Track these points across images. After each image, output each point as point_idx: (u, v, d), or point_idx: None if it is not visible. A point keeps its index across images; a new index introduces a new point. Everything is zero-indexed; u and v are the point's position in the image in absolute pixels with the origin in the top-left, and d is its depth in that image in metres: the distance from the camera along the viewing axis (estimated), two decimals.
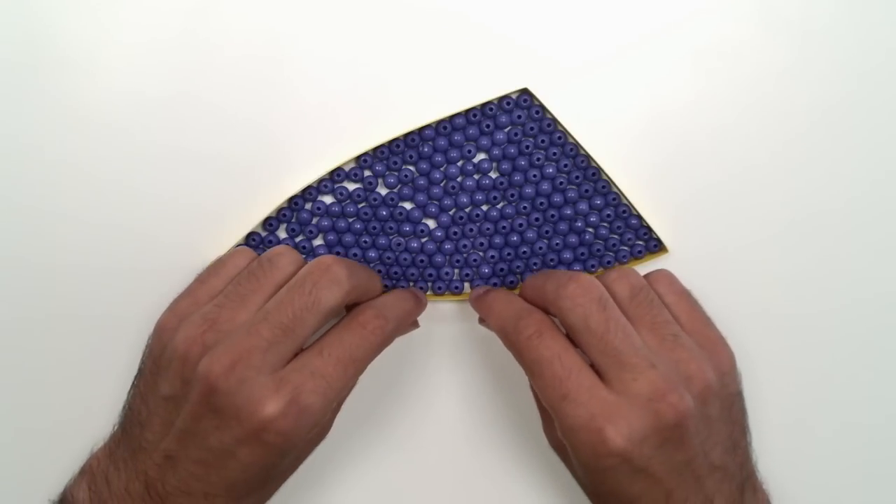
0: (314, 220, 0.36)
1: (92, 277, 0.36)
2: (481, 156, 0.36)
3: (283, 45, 0.35)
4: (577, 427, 0.28)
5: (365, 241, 0.36)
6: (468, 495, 0.38)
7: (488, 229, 0.36)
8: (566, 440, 0.29)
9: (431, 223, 0.36)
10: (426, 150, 0.35)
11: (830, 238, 0.36)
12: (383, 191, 0.36)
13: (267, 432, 0.28)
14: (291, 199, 0.35)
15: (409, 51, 0.35)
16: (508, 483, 0.38)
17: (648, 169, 0.35)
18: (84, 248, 0.35)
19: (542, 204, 0.36)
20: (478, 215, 0.36)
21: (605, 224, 0.36)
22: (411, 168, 0.35)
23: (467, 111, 0.35)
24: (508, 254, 0.36)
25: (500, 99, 0.35)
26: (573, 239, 0.36)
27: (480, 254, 0.36)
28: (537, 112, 0.35)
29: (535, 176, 0.35)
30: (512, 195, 0.36)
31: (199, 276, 0.34)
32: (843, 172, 0.36)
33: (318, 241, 0.36)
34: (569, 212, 0.36)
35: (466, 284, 0.37)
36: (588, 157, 0.35)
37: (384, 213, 0.36)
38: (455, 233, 0.36)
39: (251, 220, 0.35)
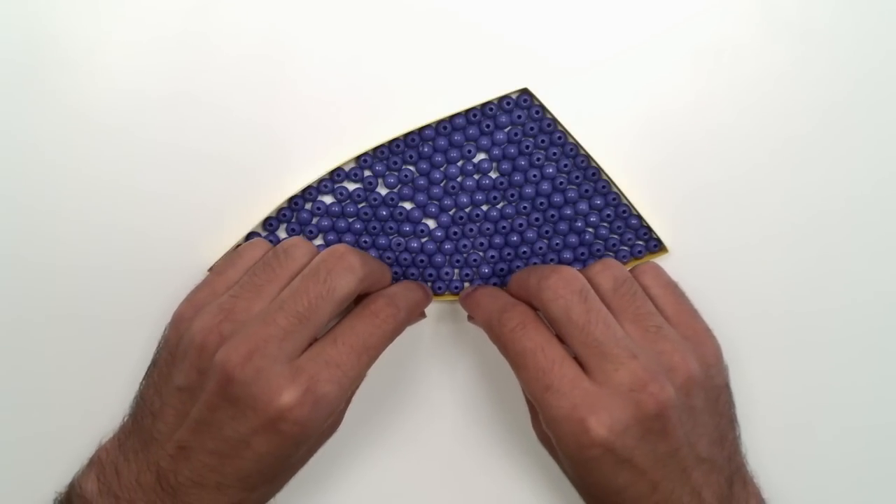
0: (314, 220, 0.36)
1: (92, 277, 0.36)
2: (481, 156, 0.36)
3: (283, 45, 0.35)
4: (560, 418, 0.29)
5: (365, 241, 0.36)
6: (467, 494, 0.38)
7: (488, 229, 0.36)
8: (550, 431, 0.30)
9: (431, 223, 0.36)
10: (426, 150, 0.35)
11: (830, 238, 0.36)
12: (383, 191, 0.36)
13: (283, 421, 0.28)
14: (291, 199, 0.35)
15: (410, 51, 0.35)
16: (507, 481, 0.38)
17: (648, 169, 0.35)
18: (84, 247, 0.35)
19: (542, 204, 0.36)
20: (478, 215, 0.36)
21: (605, 224, 0.36)
22: (411, 168, 0.35)
23: (467, 111, 0.35)
24: (508, 254, 0.36)
25: (500, 99, 0.35)
26: (573, 239, 0.36)
27: (480, 254, 0.36)
28: (537, 112, 0.35)
29: (535, 176, 0.35)
30: (512, 195, 0.36)
31: (216, 267, 0.34)
32: (843, 172, 0.36)
33: (318, 241, 0.36)
34: (569, 212, 0.36)
35: (466, 284, 0.37)
36: (588, 157, 0.35)
37: (384, 213, 0.36)
38: (455, 233, 0.36)
39: (251, 220, 0.35)
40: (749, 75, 0.35)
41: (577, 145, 0.35)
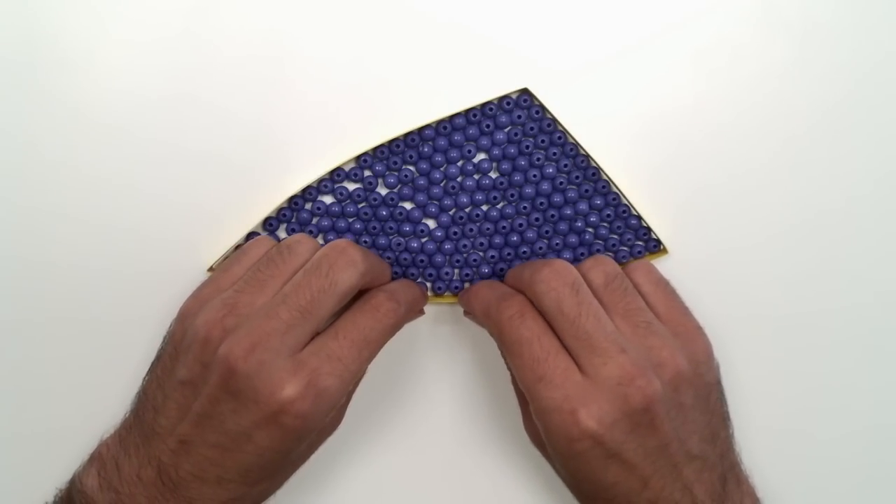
0: (314, 220, 0.36)
1: (92, 277, 0.36)
2: (481, 156, 0.36)
3: (283, 45, 0.34)
4: (551, 409, 0.29)
5: (365, 241, 0.36)
6: (465, 494, 0.38)
7: (488, 229, 0.36)
8: (539, 422, 0.30)
9: (431, 223, 0.36)
10: (426, 150, 0.35)
11: (831, 238, 0.36)
12: (383, 191, 0.36)
13: (285, 415, 0.28)
14: (291, 199, 0.35)
15: (410, 51, 0.35)
16: (506, 482, 0.38)
17: (648, 169, 0.35)
18: (84, 247, 0.35)
19: (542, 204, 0.36)
20: (478, 215, 0.36)
21: (605, 224, 0.36)
22: (411, 168, 0.35)
23: (467, 111, 0.35)
24: (508, 254, 0.36)
25: (500, 99, 0.35)
26: (573, 239, 0.36)
27: (480, 254, 0.36)
28: (537, 112, 0.35)
29: (535, 176, 0.35)
30: (512, 195, 0.36)
31: (221, 264, 0.34)
32: (843, 173, 0.36)
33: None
34: (569, 212, 0.36)
35: (466, 284, 0.37)
36: (588, 157, 0.35)
37: (384, 213, 0.36)
38: (455, 233, 0.36)
39: (251, 220, 0.35)
40: (749, 75, 0.35)
41: (577, 145, 0.35)
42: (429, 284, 0.37)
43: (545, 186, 0.35)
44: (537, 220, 0.36)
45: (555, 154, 0.35)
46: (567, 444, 0.29)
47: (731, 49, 0.35)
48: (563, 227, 0.36)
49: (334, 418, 0.33)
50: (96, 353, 0.36)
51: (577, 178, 0.35)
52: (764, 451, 0.34)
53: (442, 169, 0.36)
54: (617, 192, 0.36)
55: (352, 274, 0.30)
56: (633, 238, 0.36)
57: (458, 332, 0.37)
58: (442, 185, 0.36)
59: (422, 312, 0.36)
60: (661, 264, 0.36)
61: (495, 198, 0.36)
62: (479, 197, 0.36)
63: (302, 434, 0.29)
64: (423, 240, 0.36)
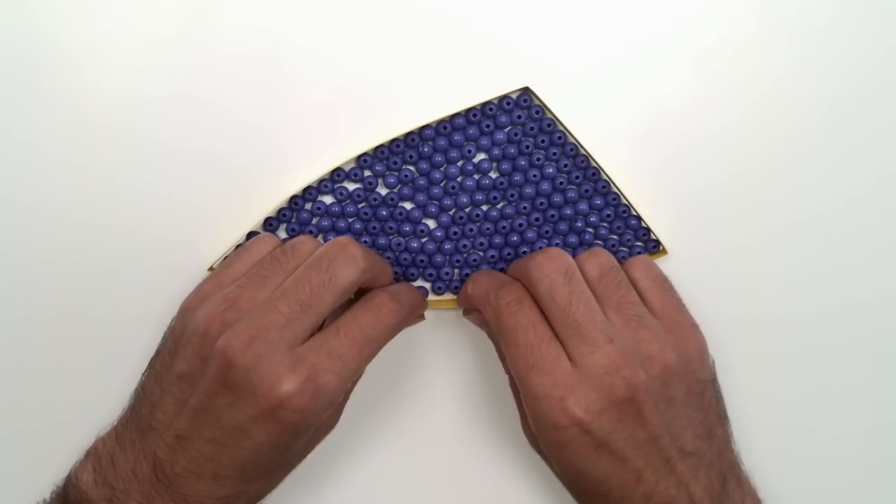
0: (314, 220, 0.36)
1: (91, 276, 0.36)
2: (481, 156, 0.36)
3: (282, 45, 0.34)
4: (540, 396, 0.29)
5: (365, 241, 0.36)
6: (465, 495, 0.38)
7: (488, 229, 0.36)
8: (529, 411, 0.30)
9: (431, 223, 0.36)
10: (426, 150, 0.35)
11: (831, 239, 0.36)
12: (383, 191, 0.36)
13: (283, 409, 0.28)
14: (291, 199, 0.35)
15: (410, 51, 0.35)
16: (506, 482, 0.38)
17: (648, 169, 0.35)
18: (83, 247, 0.35)
19: (542, 204, 0.36)
20: (478, 215, 0.36)
21: (604, 224, 0.36)
22: (411, 168, 0.35)
23: (467, 111, 0.35)
24: (508, 254, 0.36)
25: (500, 99, 0.35)
26: (573, 239, 0.36)
27: (480, 254, 0.36)
28: (537, 112, 0.35)
29: (535, 176, 0.35)
30: (512, 195, 0.36)
31: (224, 261, 0.34)
32: (843, 173, 0.36)
33: None
34: (569, 212, 0.36)
35: None
36: (588, 157, 0.35)
37: (384, 213, 0.36)
38: (455, 233, 0.36)
39: (251, 220, 0.35)
40: (749, 75, 0.35)
41: (577, 145, 0.35)
42: (429, 284, 0.37)
43: (545, 186, 0.35)
44: (537, 220, 0.36)
45: (555, 154, 0.35)
46: (555, 433, 0.29)
47: (731, 49, 0.35)
48: (563, 227, 0.36)
49: (331, 417, 0.33)
50: (96, 352, 0.36)
51: (577, 178, 0.35)
52: (763, 450, 0.34)
53: (442, 169, 0.36)
54: (617, 192, 0.36)
55: (352, 270, 0.30)
56: (632, 238, 0.36)
57: (457, 336, 0.37)
58: (442, 185, 0.36)
59: (422, 318, 0.36)
60: (661, 264, 0.36)
61: (495, 198, 0.36)
62: (479, 197, 0.36)
63: (299, 430, 0.29)
64: (423, 240, 0.36)
